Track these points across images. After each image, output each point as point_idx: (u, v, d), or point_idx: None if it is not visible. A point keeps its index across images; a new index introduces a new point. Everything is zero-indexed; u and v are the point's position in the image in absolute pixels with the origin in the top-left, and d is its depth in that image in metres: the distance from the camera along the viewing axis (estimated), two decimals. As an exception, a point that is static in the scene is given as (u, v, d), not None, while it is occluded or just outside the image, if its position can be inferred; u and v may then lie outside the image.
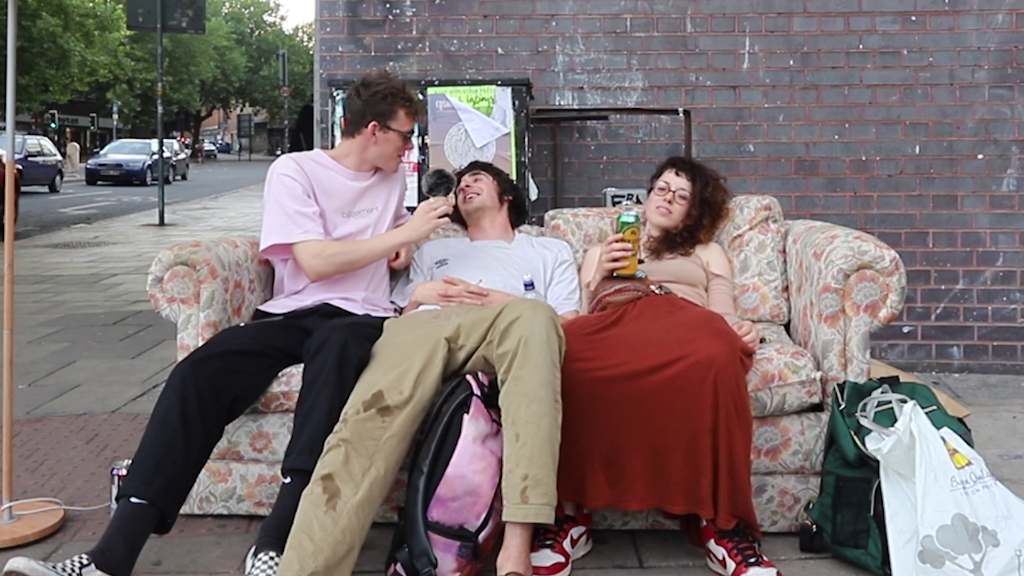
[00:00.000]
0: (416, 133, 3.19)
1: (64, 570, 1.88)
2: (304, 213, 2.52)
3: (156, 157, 23.16)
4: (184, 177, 26.95)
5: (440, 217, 2.56)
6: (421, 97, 2.72)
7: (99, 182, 22.92)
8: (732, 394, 2.12)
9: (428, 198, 2.61)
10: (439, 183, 2.62)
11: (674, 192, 2.78)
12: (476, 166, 3.03)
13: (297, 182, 2.55)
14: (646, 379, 2.15)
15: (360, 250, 2.58)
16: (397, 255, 2.83)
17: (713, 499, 2.12)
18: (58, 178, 20.55)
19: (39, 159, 19.22)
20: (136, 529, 2.00)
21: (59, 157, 21.64)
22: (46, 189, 19.77)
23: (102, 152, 26.25)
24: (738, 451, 2.12)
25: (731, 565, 2.10)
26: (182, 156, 27.50)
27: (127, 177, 23.05)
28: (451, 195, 2.64)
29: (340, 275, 2.59)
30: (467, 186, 2.92)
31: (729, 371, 2.13)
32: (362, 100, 2.62)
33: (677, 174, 2.81)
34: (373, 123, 2.61)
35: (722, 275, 2.75)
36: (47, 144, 20.92)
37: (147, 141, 25.30)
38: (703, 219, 2.80)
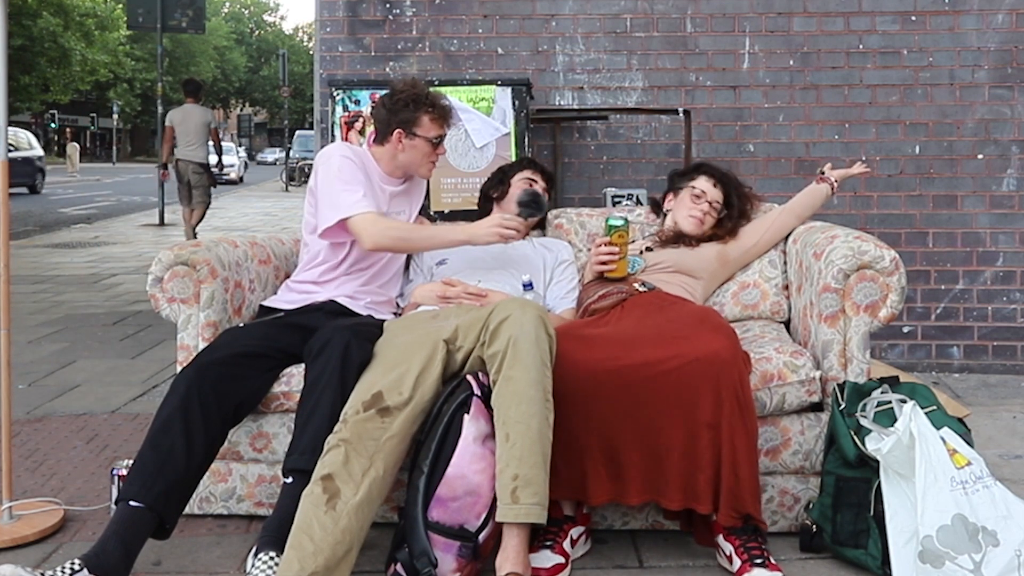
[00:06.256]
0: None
1: None
2: (359, 190, 2.55)
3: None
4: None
5: (505, 238, 2.48)
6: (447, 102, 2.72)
7: None
8: (735, 390, 2.11)
9: (518, 210, 2.56)
10: (530, 204, 2.55)
11: (710, 203, 2.83)
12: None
13: (355, 164, 2.59)
14: (641, 373, 2.14)
15: (418, 235, 2.63)
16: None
17: (715, 495, 2.10)
18: (40, 177, 18.46)
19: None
20: (133, 533, 1.98)
21: (40, 153, 18.98)
22: (25, 190, 17.71)
23: None
24: (740, 446, 2.09)
25: (737, 563, 2.09)
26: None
27: None
28: (529, 220, 2.57)
29: (367, 269, 2.63)
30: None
31: (732, 367, 2.12)
32: (386, 109, 2.65)
33: (715, 185, 2.86)
34: (398, 131, 2.63)
35: (755, 226, 2.87)
36: (26, 137, 18.46)
37: None
38: (727, 222, 2.85)
